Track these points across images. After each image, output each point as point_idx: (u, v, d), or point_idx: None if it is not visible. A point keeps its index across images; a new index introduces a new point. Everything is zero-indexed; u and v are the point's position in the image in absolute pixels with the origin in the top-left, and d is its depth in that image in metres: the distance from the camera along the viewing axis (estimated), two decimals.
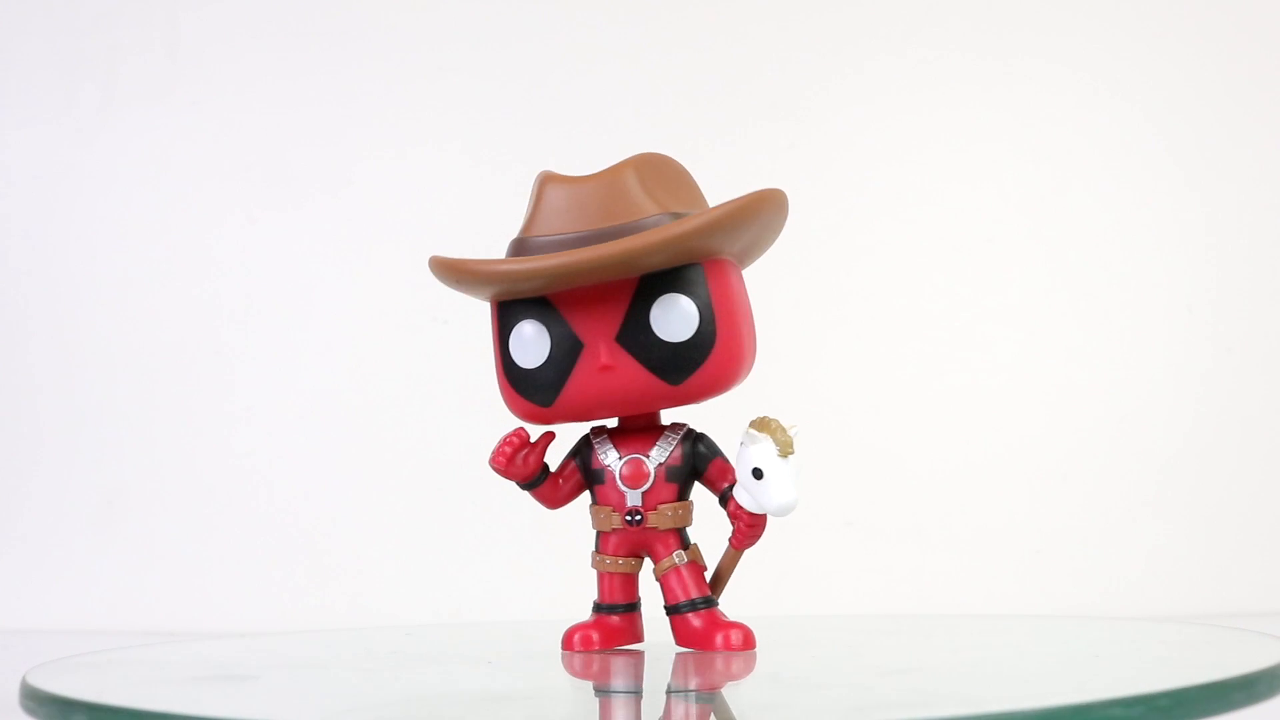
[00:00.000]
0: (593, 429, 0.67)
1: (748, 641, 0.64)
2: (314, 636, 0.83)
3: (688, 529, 0.67)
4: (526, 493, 0.67)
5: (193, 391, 1.21)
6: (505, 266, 0.63)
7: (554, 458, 0.68)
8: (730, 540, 0.65)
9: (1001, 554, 1.14)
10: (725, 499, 0.65)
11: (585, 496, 0.68)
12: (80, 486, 1.21)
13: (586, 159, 0.70)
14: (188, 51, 1.23)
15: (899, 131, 1.20)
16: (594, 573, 0.67)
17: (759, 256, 0.69)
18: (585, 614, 0.68)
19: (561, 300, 0.64)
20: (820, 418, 1.17)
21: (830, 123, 1.21)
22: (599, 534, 0.67)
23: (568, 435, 0.68)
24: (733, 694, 0.58)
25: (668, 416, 0.68)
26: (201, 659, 0.71)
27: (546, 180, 0.65)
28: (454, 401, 1.17)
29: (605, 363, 0.63)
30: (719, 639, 0.64)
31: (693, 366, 0.63)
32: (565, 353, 0.64)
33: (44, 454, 1.22)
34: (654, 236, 0.61)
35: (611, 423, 0.67)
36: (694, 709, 0.54)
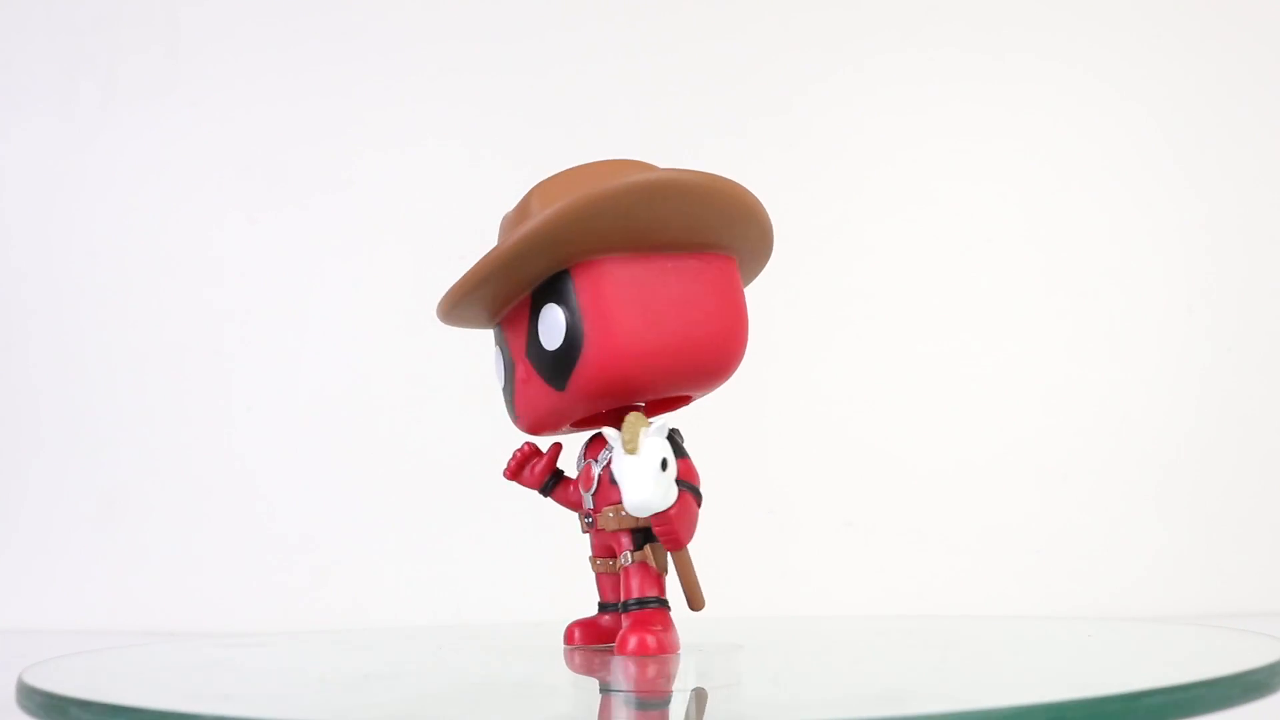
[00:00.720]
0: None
1: (657, 647, 0.62)
2: (314, 636, 0.83)
3: (649, 529, 0.64)
4: (548, 499, 0.69)
5: (192, 391, 1.21)
6: (441, 297, 0.66)
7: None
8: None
9: (1001, 554, 1.14)
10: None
11: None
12: (79, 486, 1.21)
13: (586, 158, 0.70)
14: (188, 50, 1.23)
15: (899, 131, 1.20)
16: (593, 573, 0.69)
17: (742, 242, 0.66)
18: (586, 613, 0.68)
19: (504, 324, 0.66)
20: (820, 418, 1.17)
21: (830, 122, 1.20)
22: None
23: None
24: (733, 694, 0.58)
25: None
26: (200, 659, 0.71)
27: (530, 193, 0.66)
28: (455, 401, 1.17)
29: (522, 377, 0.65)
30: (631, 642, 0.62)
31: (567, 371, 0.63)
32: (509, 372, 0.66)
33: (43, 453, 1.22)
34: (494, 252, 0.62)
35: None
36: (705, 706, 0.54)
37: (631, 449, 0.60)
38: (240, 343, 1.21)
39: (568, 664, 0.65)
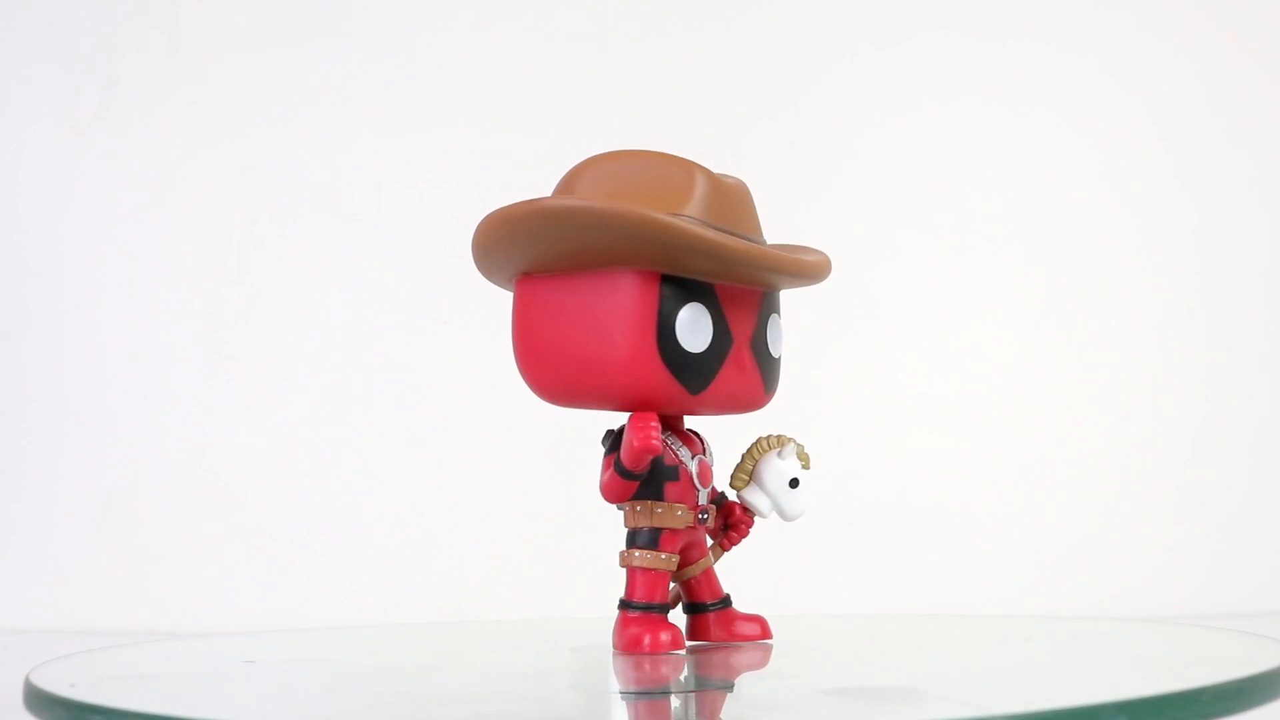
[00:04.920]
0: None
1: (766, 631, 0.68)
2: (315, 636, 0.83)
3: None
4: (624, 482, 0.63)
5: (193, 390, 1.21)
6: (734, 243, 0.61)
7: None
8: (723, 541, 0.67)
9: (1001, 554, 1.14)
10: (718, 503, 0.67)
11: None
12: (81, 487, 1.21)
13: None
14: (188, 51, 1.23)
15: (899, 131, 1.20)
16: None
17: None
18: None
19: (723, 293, 0.63)
20: (820, 418, 1.17)
21: (830, 122, 1.21)
22: (661, 531, 0.64)
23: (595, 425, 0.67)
24: (733, 694, 0.58)
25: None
26: (202, 659, 0.71)
27: (698, 167, 0.63)
28: (456, 401, 1.17)
29: (744, 363, 0.65)
30: (763, 627, 0.67)
31: (776, 382, 0.67)
32: (721, 345, 0.63)
33: (45, 454, 1.22)
34: (818, 258, 0.66)
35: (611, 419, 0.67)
36: (710, 705, 0.54)
37: (809, 465, 0.67)
38: (241, 341, 1.21)
39: (566, 664, 0.65)
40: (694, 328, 0.62)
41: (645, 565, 0.64)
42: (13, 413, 1.23)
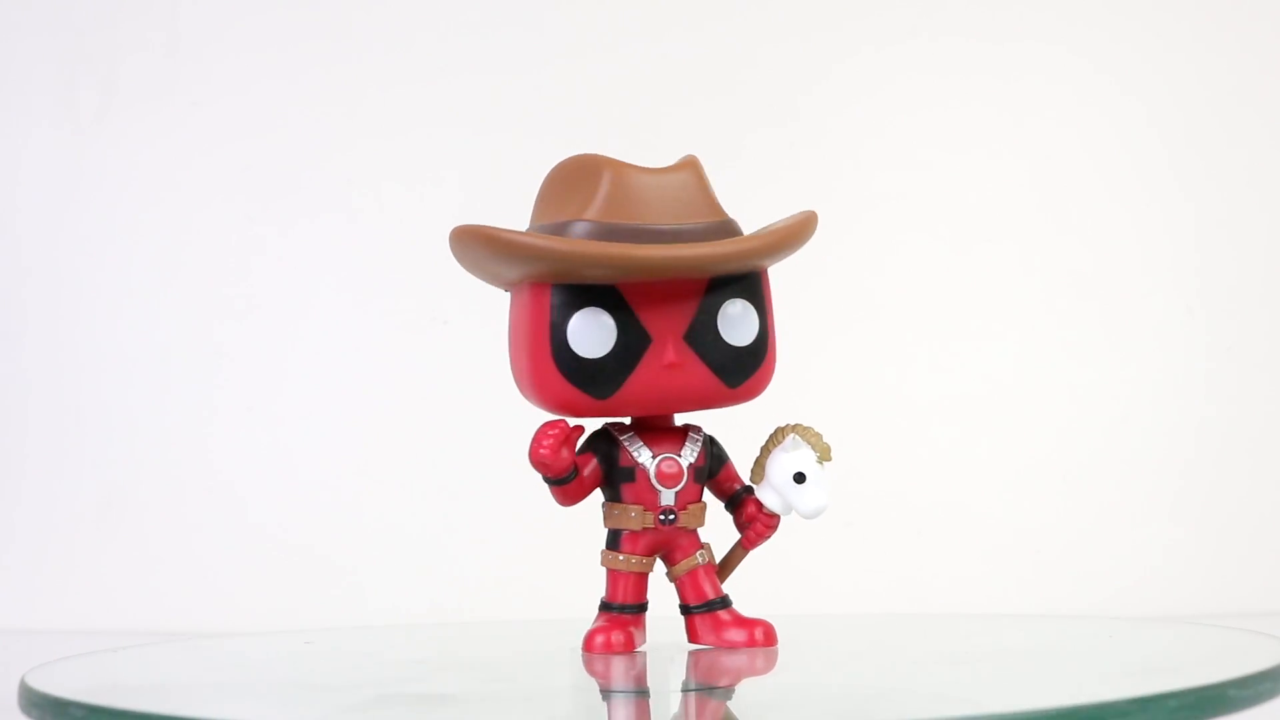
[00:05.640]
0: (614, 425, 0.66)
1: (771, 637, 0.65)
2: (314, 636, 0.83)
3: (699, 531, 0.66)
4: (551, 488, 0.65)
5: (193, 390, 1.21)
6: (597, 250, 0.61)
7: None
8: (742, 540, 0.66)
9: (1001, 554, 1.14)
10: (737, 500, 0.67)
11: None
12: (79, 486, 1.21)
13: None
14: (188, 52, 1.23)
15: (899, 132, 1.20)
16: (599, 572, 0.67)
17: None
18: (587, 613, 0.68)
19: (631, 292, 0.63)
20: (820, 418, 1.17)
21: (830, 122, 1.20)
22: (621, 533, 0.65)
23: None
24: (733, 694, 0.58)
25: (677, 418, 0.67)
26: (202, 659, 0.71)
27: (611, 165, 0.64)
28: (456, 401, 1.17)
29: (672, 360, 0.63)
30: (758, 633, 0.65)
31: (750, 371, 0.65)
32: (631, 346, 0.63)
33: (43, 453, 1.22)
34: (759, 241, 0.64)
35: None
36: (710, 706, 0.54)
37: (827, 458, 0.64)
38: (241, 340, 1.21)
39: (566, 665, 0.65)
40: (587, 334, 0.62)
41: (608, 565, 0.66)
42: (13, 412, 1.23)
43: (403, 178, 1.22)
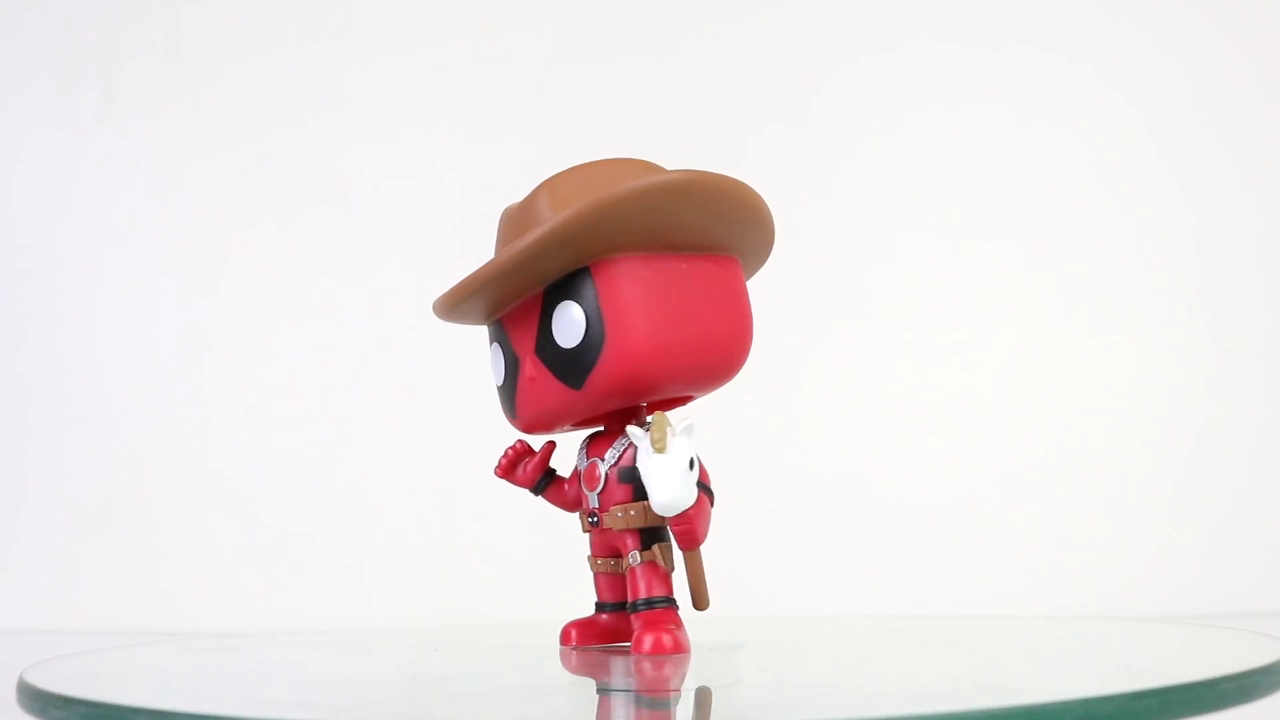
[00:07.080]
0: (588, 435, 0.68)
1: (674, 647, 0.62)
2: (313, 636, 0.83)
3: (655, 529, 0.64)
4: (540, 498, 0.69)
5: (193, 390, 1.21)
6: (443, 293, 0.66)
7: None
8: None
9: (1001, 554, 1.14)
10: None
11: None
12: (80, 486, 1.21)
13: (586, 158, 0.69)
14: (188, 53, 1.23)
15: (900, 134, 1.20)
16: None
17: (749, 245, 0.66)
18: (587, 614, 0.68)
19: (506, 319, 0.66)
20: (820, 418, 1.17)
21: (831, 125, 1.21)
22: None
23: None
24: (733, 694, 0.58)
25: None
26: (200, 659, 0.71)
27: (525, 201, 0.66)
28: (456, 401, 1.17)
29: (529, 375, 0.65)
30: (648, 642, 0.62)
31: (585, 370, 0.63)
32: (511, 369, 0.66)
33: (43, 454, 1.22)
34: (513, 249, 0.62)
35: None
36: (709, 704, 0.54)
37: (661, 448, 0.60)
38: (241, 342, 1.21)
39: (565, 664, 0.65)
40: (494, 364, 0.68)
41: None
42: (13, 412, 1.23)
43: (403, 178, 1.22)
